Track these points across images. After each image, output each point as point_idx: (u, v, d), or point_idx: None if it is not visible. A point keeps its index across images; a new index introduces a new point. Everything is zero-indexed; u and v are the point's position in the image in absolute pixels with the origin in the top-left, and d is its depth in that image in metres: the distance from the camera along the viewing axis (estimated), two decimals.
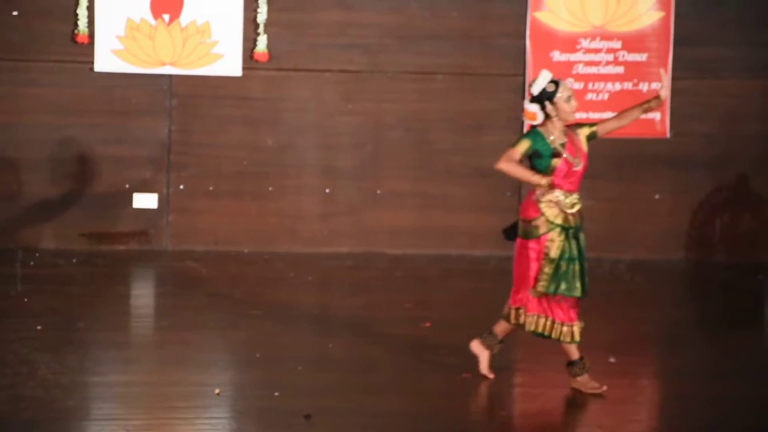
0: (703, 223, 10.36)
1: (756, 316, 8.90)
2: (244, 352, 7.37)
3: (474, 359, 6.88)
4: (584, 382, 6.68)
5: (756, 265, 10.16)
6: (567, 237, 6.58)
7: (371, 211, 10.37)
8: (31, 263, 9.70)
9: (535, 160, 6.61)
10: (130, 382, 6.69)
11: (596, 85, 10.30)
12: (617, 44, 10.29)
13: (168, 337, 7.68)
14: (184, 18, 10.19)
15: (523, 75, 10.29)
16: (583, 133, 6.68)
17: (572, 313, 6.64)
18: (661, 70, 6.85)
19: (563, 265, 6.56)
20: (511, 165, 6.59)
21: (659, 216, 10.38)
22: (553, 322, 6.63)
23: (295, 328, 7.95)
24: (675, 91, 10.24)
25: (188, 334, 7.70)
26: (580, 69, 10.30)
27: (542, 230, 6.59)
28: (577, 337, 6.65)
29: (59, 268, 9.62)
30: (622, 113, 6.69)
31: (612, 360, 7.28)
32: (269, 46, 10.24)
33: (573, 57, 10.30)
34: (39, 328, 7.60)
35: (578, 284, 6.61)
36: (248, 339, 7.62)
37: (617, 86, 10.29)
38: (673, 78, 10.22)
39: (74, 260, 9.85)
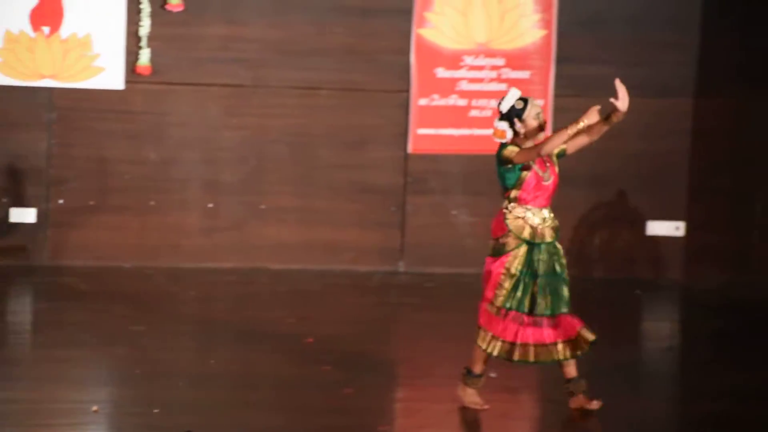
0: (582, 240, 10.50)
1: (633, 331, 9.04)
2: (123, 368, 7.28)
3: (364, 376, 6.90)
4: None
5: (633, 280, 10.32)
6: (533, 253, 6.54)
7: (255, 226, 10.33)
8: None
9: (506, 172, 6.60)
10: (7, 399, 6.58)
11: (480, 101, 10.39)
12: (501, 61, 10.40)
13: (47, 354, 7.56)
14: (65, 30, 10.06)
15: (408, 91, 10.34)
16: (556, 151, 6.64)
17: (551, 332, 6.59)
18: (617, 81, 6.75)
19: (523, 280, 6.54)
20: (548, 142, 6.44)
21: None
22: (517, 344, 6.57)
23: (176, 343, 7.88)
24: (556, 109, 10.39)
25: (67, 350, 7.60)
26: (464, 86, 10.39)
27: (510, 246, 6.59)
28: (518, 357, 6.60)
29: None
30: (590, 128, 6.64)
31: (493, 375, 7.34)
32: (152, 59, 10.16)
33: (457, 74, 10.39)
34: None
35: (526, 302, 6.53)
36: (128, 355, 7.54)
37: None
38: (555, 95, 10.37)
39: None
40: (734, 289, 10.09)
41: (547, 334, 6.60)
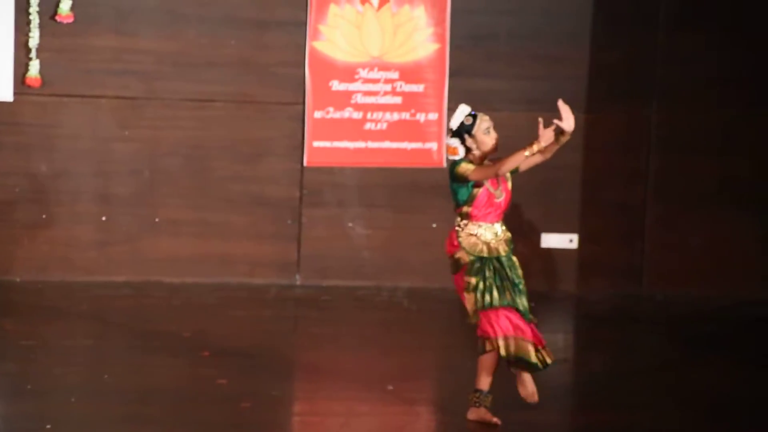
0: None
1: None
2: (14, 383, 7.16)
3: (261, 390, 6.86)
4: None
5: (528, 292, 10.40)
6: (490, 263, 6.55)
7: (149, 239, 10.22)
8: None
9: (458, 188, 6.59)
10: None
11: (375, 114, 10.42)
12: (395, 75, 10.45)
13: None
14: None
15: (303, 103, 10.33)
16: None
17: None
18: (560, 102, 6.77)
19: (486, 280, 6.52)
20: (504, 163, 6.50)
21: (436, 245, 10.49)
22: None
23: (68, 358, 7.77)
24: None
25: None
26: (359, 99, 10.41)
27: (464, 260, 6.59)
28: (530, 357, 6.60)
29: None
30: (545, 149, 6.67)
31: (390, 387, 7.35)
32: (42, 71, 10.02)
33: (352, 86, 10.41)
34: None
35: (497, 295, 6.55)
36: (19, 370, 7.41)
37: (395, 116, 10.44)
38: (449, 109, 10.44)
39: None
40: (626, 300, 10.25)
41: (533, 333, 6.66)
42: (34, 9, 9.92)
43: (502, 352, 6.57)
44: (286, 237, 10.39)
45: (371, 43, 10.40)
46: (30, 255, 10.10)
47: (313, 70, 10.34)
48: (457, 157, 6.65)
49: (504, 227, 6.73)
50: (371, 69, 10.42)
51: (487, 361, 6.67)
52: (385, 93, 10.43)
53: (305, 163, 10.38)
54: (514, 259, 6.73)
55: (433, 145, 10.47)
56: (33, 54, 9.98)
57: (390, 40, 10.41)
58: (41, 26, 9.97)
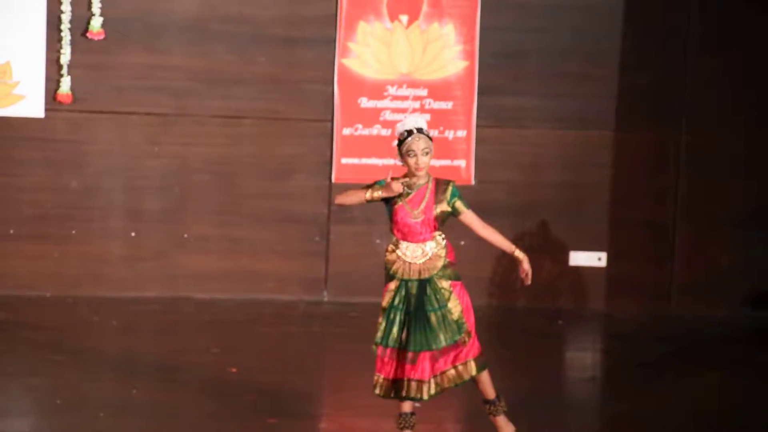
0: (505, 269, 10.56)
1: (556, 361, 9.10)
2: (44, 398, 7.19)
3: (288, 406, 6.86)
4: None
5: (556, 310, 10.40)
6: (405, 288, 6.51)
7: (178, 255, 10.26)
8: None
9: (385, 203, 6.56)
10: None
11: None
12: (424, 92, 10.47)
13: None
14: None
15: (332, 120, 10.36)
16: (452, 201, 6.54)
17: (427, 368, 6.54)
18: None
19: (393, 314, 6.52)
20: (344, 196, 6.51)
21: (463, 262, 10.44)
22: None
23: (98, 373, 7.80)
24: (479, 140, 10.47)
25: None
26: (388, 116, 10.43)
27: (386, 280, 6.58)
28: (404, 394, 6.54)
29: None
30: (492, 232, 6.70)
31: (417, 405, 7.35)
32: (73, 87, 10.09)
33: (380, 104, 10.43)
34: None
35: (412, 337, 6.46)
36: (49, 385, 7.44)
37: None
38: (477, 126, 10.45)
39: None
40: (654, 319, 10.22)
41: (421, 369, 6.53)
42: (65, 26, 10.00)
43: (378, 391, 6.55)
44: (314, 254, 10.41)
45: (400, 60, 10.42)
46: (60, 270, 10.16)
47: (342, 87, 10.38)
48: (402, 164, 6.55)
49: (438, 246, 6.54)
50: (400, 86, 10.44)
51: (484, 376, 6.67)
52: (414, 110, 10.45)
53: (333, 180, 10.41)
54: (443, 284, 6.55)
55: (461, 163, 10.48)
56: (64, 70, 10.04)
57: (419, 58, 10.43)
58: (73, 43, 10.04)
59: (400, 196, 6.43)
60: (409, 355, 6.46)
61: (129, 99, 10.20)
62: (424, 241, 6.47)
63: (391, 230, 6.54)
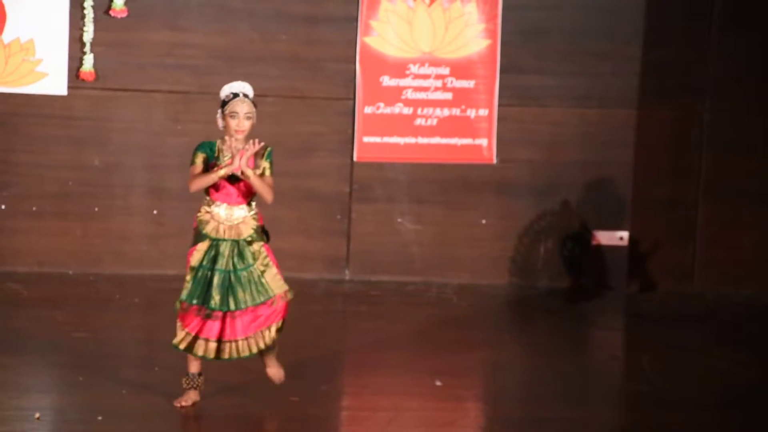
0: (527, 249, 10.55)
1: (578, 341, 9.09)
2: (66, 375, 7.22)
3: (310, 384, 6.88)
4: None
5: (578, 289, 10.39)
6: (215, 248, 6.54)
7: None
8: None
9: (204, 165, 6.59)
10: None
11: (425, 110, 10.42)
12: (446, 70, 10.44)
13: None
14: (7, 35, 9.98)
15: (353, 99, 10.35)
16: (263, 164, 6.67)
17: (212, 328, 6.57)
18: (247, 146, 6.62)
19: (201, 273, 6.54)
20: (195, 181, 6.55)
21: (485, 241, 10.55)
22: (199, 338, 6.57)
23: (120, 350, 7.82)
24: (501, 118, 10.44)
25: (9, 357, 7.51)
26: (410, 94, 10.41)
27: (195, 240, 6.61)
28: (201, 353, 6.58)
29: None
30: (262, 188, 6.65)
31: (438, 383, 7.36)
32: (96, 65, 10.10)
33: (402, 82, 10.41)
34: None
35: (216, 296, 6.53)
36: (71, 362, 7.47)
37: (446, 112, 10.44)
38: (499, 105, 10.42)
39: None
40: (677, 298, 10.20)
41: (229, 330, 6.58)
42: (88, 3, 10.01)
43: (181, 345, 6.58)
44: (335, 232, 10.42)
45: (422, 38, 10.40)
46: (83, 248, 10.19)
47: (363, 65, 10.36)
48: (221, 127, 6.59)
49: (253, 212, 6.66)
50: (422, 64, 10.42)
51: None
52: (436, 89, 10.43)
53: (355, 159, 10.40)
54: (249, 246, 6.62)
55: (483, 141, 10.46)
56: (87, 48, 10.06)
57: (441, 36, 10.40)
58: (95, 20, 10.05)
59: (218, 158, 6.55)
60: (214, 314, 6.54)
61: (151, 77, 10.21)
62: (238, 204, 6.60)
63: (206, 192, 6.62)
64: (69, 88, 10.08)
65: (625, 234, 10.55)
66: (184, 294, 6.58)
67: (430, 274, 10.43)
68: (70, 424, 6.34)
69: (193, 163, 6.62)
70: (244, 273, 6.58)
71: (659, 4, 10.45)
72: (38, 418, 6.29)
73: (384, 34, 10.36)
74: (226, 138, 6.63)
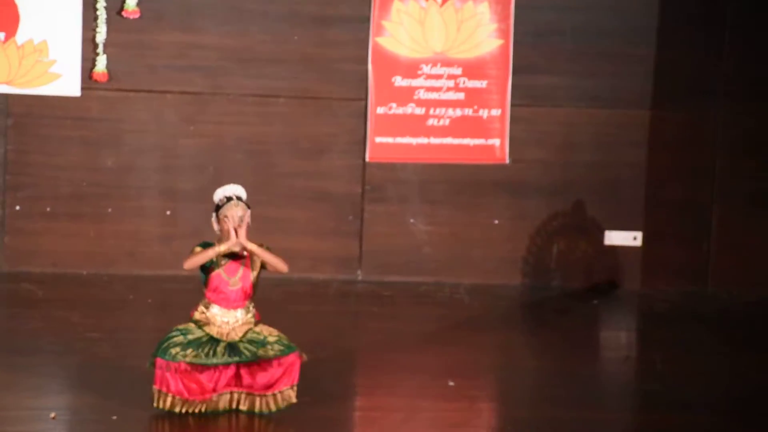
0: (539, 249, 10.55)
1: (591, 341, 9.09)
2: (81, 375, 7.24)
3: (322, 385, 6.89)
4: None
5: (591, 289, 10.38)
6: (210, 341, 6.55)
7: (213, 234, 10.26)
8: None
9: (200, 269, 6.61)
10: None
11: (438, 110, 10.43)
12: (458, 71, 10.44)
13: (2, 361, 7.49)
14: (21, 36, 10.00)
15: (365, 99, 10.36)
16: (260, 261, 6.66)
17: None
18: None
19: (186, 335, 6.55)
20: (192, 257, 6.59)
21: (498, 241, 10.54)
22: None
23: (134, 351, 7.84)
24: (513, 119, 10.44)
25: (22, 357, 7.54)
26: (422, 94, 10.42)
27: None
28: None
29: None
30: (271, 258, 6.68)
31: (451, 384, 7.36)
32: (109, 66, 10.12)
33: (415, 82, 10.42)
34: None
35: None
36: (85, 362, 7.49)
37: (458, 112, 10.44)
38: (512, 105, 10.42)
39: None
40: (691, 299, 10.19)
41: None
42: (101, 4, 10.02)
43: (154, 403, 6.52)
44: (347, 233, 10.42)
45: (434, 38, 10.40)
46: (96, 248, 10.21)
47: (376, 65, 10.37)
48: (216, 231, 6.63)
49: (250, 313, 6.67)
50: (434, 65, 10.42)
51: None
52: (448, 89, 10.43)
53: (367, 159, 10.41)
54: (257, 330, 6.63)
55: (495, 142, 10.46)
56: (100, 49, 10.08)
57: (453, 36, 10.41)
58: (108, 21, 10.07)
59: (215, 261, 6.56)
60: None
61: (164, 78, 10.22)
62: (236, 308, 6.62)
63: (204, 295, 6.65)
64: (82, 89, 10.10)
65: (638, 234, 10.54)
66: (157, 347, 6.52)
67: (443, 274, 10.43)
68: (84, 423, 6.37)
69: (194, 247, 6.60)
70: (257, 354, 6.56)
71: (672, 5, 10.44)
72: (53, 418, 6.32)
73: (396, 34, 10.37)
74: (222, 241, 6.60)
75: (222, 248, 6.54)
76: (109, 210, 10.22)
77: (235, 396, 6.55)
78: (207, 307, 6.60)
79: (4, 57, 9.98)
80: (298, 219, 10.38)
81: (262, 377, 6.53)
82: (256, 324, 6.64)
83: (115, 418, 6.36)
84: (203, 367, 6.44)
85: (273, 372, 6.53)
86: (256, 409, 6.54)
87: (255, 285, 6.67)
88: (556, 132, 10.51)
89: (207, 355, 6.43)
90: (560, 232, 10.57)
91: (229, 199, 6.64)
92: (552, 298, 10.20)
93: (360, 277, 10.43)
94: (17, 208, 10.11)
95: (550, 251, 10.57)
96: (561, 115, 10.54)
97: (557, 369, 7.95)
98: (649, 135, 10.49)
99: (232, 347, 6.49)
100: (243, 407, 6.56)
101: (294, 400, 6.57)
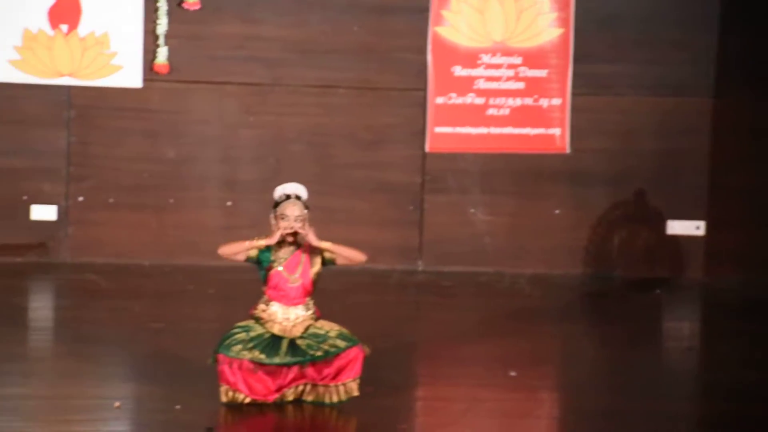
0: (601, 239, 10.49)
1: (653, 331, 9.03)
2: (143, 365, 7.30)
3: (383, 374, 6.90)
4: None
5: (653, 279, 10.31)
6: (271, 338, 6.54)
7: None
8: None
9: (258, 267, 6.63)
10: (27, 395, 6.59)
11: (497, 100, 10.40)
12: (518, 60, 10.40)
13: (66, 350, 7.58)
14: (83, 29, 10.09)
15: (425, 90, 10.34)
16: (324, 255, 6.69)
17: None
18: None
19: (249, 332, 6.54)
20: (229, 244, 6.67)
21: (558, 231, 10.50)
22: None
23: (195, 341, 7.88)
24: (574, 108, 10.39)
25: (87, 347, 7.61)
26: (482, 84, 10.39)
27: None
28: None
29: None
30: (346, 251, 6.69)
31: (512, 374, 7.34)
32: (170, 57, 10.18)
33: (474, 72, 10.39)
34: None
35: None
36: (148, 352, 7.55)
37: (518, 101, 10.40)
38: (573, 94, 10.37)
39: None
40: (754, 288, 10.08)
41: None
42: None
43: (222, 398, 6.50)
44: (408, 223, 10.43)
45: (494, 28, 10.36)
46: (158, 239, 10.29)
47: (435, 55, 10.35)
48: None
49: (310, 311, 6.64)
50: (494, 54, 10.39)
51: None
52: (508, 78, 10.39)
53: (427, 149, 10.40)
54: (318, 326, 6.61)
55: (556, 131, 10.41)
56: (161, 41, 10.14)
57: (513, 25, 10.36)
58: (169, 13, 10.13)
59: (273, 261, 6.56)
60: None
61: (224, 69, 10.27)
62: (296, 305, 6.62)
63: (263, 293, 6.65)
64: (144, 80, 10.17)
65: (701, 223, 10.45)
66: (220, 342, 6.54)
67: (503, 264, 10.40)
68: (148, 413, 6.42)
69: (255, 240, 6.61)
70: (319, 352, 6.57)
71: None
72: (118, 407, 6.37)
73: (456, 24, 10.34)
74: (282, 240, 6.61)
75: (261, 242, 6.57)
76: (171, 201, 10.29)
77: (300, 387, 6.57)
78: (267, 305, 6.62)
79: (66, 49, 10.07)
80: (358, 210, 10.40)
81: (326, 370, 6.55)
82: (316, 320, 6.65)
83: (178, 407, 6.40)
84: (266, 367, 6.46)
85: (337, 365, 6.54)
86: (321, 399, 6.56)
87: (315, 282, 6.68)
88: (617, 121, 10.45)
89: (269, 355, 6.46)
90: (622, 221, 10.51)
91: (288, 197, 6.64)
92: (613, 288, 10.14)
93: (420, 268, 10.43)
94: (80, 199, 10.21)
95: (611, 241, 10.51)
96: (622, 103, 10.48)
97: (619, 359, 7.91)
98: (712, 122, 10.40)
99: (294, 347, 6.51)
100: (308, 398, 6.58)
101: (356, 392, 6.57)
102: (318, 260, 6.68)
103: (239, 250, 6.62)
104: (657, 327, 9.21)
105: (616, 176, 10.43)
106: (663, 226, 10.49)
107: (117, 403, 6.40)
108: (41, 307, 9.26)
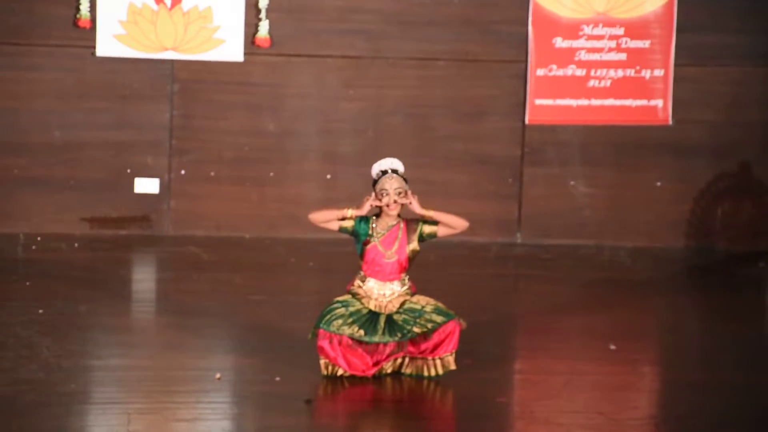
0: (704, 211, 10.36)
1: (757, 304, 8.90)
2: (244, 337, 7.37)
3: (482, 347, 6.90)
4: None
5: (757, 252, 10.16)
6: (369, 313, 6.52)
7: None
8: (33, 247, 9.71)
9: (354, 240, 6.60)
10: (130, 366, 6.69)
11: (599, 71, 10.30)
12: (620, 31, 10.28)
13: (169, 322, 7.68)
14: (186, 3, 10.18)
15: (525, 61, 10.28)
16: (423, 230, 6.64)
17: None
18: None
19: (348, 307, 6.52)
20: (321, 210, 6.65)
21: (660, 203, 10.39)
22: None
23: (296, 314, 7.95)
24: (677, 78, 10.25)
25: (189, 319, 7.70)
26: (583, 56, 10.30)
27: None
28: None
29: (61, 252, 9.63)
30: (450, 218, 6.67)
31: (612, 347, 7.29)
32: (271, 31, 10.24)
33: (575, 43, 10.30)
34: (41, 312, 7.61)
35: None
36: (249, 324, 7.62)
37: (620, 73, 10.29)
38: (676, 65, 10.23)
39: (76, 245, 9.86)
40: None
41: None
42: None
43: (323, 371, 6.49)
44: (507, 196, 10.39)
45: None
46: (258, 212, 10.38)
47: (536, 27, 10.27)
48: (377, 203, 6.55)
49: (405, 286, 6.58)
50: (596, 25, 10.28)
51: None
52: (610, 49, 10.29)
53: (527, 121, 10.34)
54: (414, 301, 6.54)
55: (658, 102, 10.29)
56: (263, 14, 10.20)
57: None
58: None
59: (371, 235, 6.52)
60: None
61: (325, 42, 10.31)
62: (392, 280, 6.58)
63: (359, 267, 6.62)
64: (245, 54, 10.25)
65: None
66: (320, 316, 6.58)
67: (603, 237, 10.33)
68: (249, 384, 6.48)
69: (346, 210, 6.63)
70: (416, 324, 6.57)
71: None
72: (219, 378, 6.44)
73: None
74: (381, 215, 6.63)
75: (350, 212, 6.58)
76: (271, 174, 10.37)
77: (398, 360, 6.60)
78: (363, 281, 6.64)
79: (170, 23, 10.17)
80: (457, 182, 10.38)
81: (424, 344, 6.57)
82: (411, 295, 6.66)
83: (278, 379, 6.45)
84: (365, 344, 6.50)
85: (434, 339, 6.56)
86: (419, 372, 6.58)
87: (411, 259, 6.68)
88: (722, 92, 10.29)
89: (368, 332, 6.49)
90: (725, 193, 10.36)
91: (384, 172, 6.65)
92: (716, 261, 10.01)
93: (519, 240, 10.39)
94: (182, 172, 10.33)
95: (714, 213, 10.37)
96: (727, 74, 10.31)
97: (722, 332, 7.82)
98: None
99: (391, 323, 6.53)
100: (406, 371, 6.61)
101: (453, 366, 6.58)
102: (415, 237, 6.68)
103: (329, 218, 6.65)
104: (761, 300, 9.08)
105: (720, 148, 10.28)
106: (767, 198, 10.32)
107: (218, 375, 6.47)
108: (144, 279, 9.39)
